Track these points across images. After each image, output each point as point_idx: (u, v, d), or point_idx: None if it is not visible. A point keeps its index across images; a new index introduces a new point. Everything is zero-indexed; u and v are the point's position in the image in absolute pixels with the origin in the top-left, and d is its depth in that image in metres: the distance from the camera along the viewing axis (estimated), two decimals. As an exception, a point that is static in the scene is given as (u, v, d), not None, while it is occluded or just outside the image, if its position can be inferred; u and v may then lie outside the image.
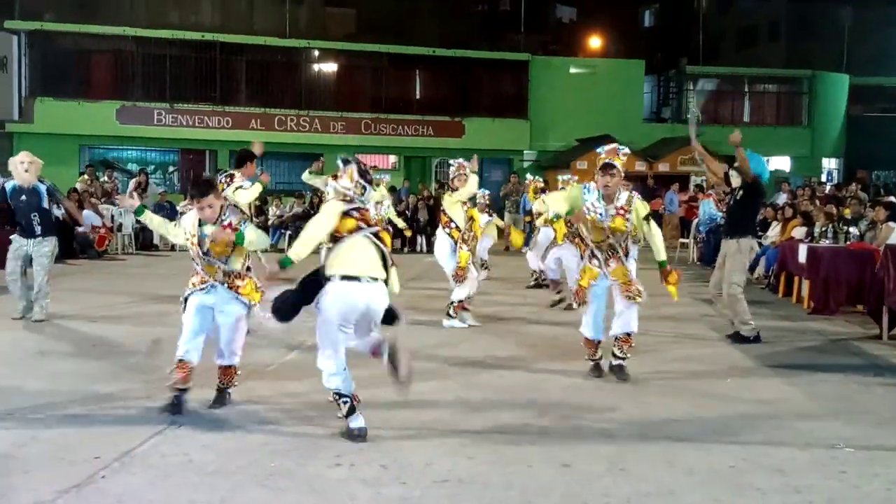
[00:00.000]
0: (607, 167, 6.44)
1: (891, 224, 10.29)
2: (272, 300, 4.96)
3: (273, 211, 20.53)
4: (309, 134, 24.67)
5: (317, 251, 5.23)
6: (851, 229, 11.08)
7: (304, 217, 19.82)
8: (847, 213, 12.63)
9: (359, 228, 4.97)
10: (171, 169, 25.77)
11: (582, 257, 6.76)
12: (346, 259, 4.91)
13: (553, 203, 7.05)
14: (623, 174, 6.52)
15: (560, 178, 10.95)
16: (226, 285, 5.52)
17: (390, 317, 5.08)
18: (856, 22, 31.63)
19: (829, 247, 10.57)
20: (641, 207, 6.52)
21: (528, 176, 12.83)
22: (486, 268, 11.07)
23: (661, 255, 6.63)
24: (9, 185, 8.89)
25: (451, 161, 9.62)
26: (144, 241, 18.51)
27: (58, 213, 9.31)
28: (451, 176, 9.24)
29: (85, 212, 16.33)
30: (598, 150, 6.79)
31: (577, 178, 11.16)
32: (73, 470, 4.40)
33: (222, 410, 5.56)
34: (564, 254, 10.28)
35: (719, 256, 8.73)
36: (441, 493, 4.21)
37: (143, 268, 14.95)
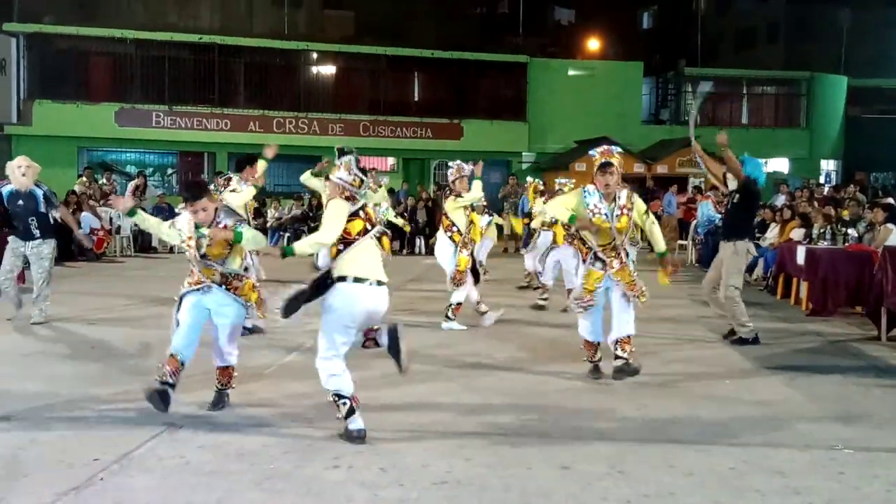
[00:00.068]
0: (606, 166, 6.45)
1: (889, 226, 10.29)
2: (285, 297, 4.99)
3: (272, 213, 20.54)
4: (307, 136, 24.69)
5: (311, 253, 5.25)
6: (850, 231, 11.09)
7: (303, 219, 19.87)
8: (845, 214, 12.65)
9: (366, 231, 5.01)
10: (169, 171, 25.76)
11: (584, 260, 6.72)
12: (358, 261, 4.97)
13: (554, 210, 7.03)
14: (621, 172, 6.55)
15: (557, 181, 10.94)
16: (223, 287, 5.52)
17: (395, 343, 5.13)
18: (854, 24, 31.70)
19: (827, 248, 10.57)
20: (640, 202, 6.62)
21: (529, 178, 12.83)
22: (484, 272, 11.06)
23: (662, 246, 6.75)
24: (6, 190, 8.88)
25: (450, 163, 9.62)
26: (143, 243, 18.50)
27: (56, 214, 9.28)
28: (450, 178, 9.23)
29: (83, 214, 16.39)
30: (591, 152, 6.82)
31: (574, 181, 11.15)
32: (72, 472, 4.40)
33: (220, 412, 5.56)
34: (563, 256, 10.30)
35: (716, 258, 8.74)
36: (439, 494, 4.20)
37: (141, 270, 14.94)
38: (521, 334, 8.79)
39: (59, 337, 8.32)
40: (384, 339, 5.14)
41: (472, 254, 9.10)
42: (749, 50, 36.00)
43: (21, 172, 8.77)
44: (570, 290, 10.27)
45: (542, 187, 12.17)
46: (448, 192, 9.11)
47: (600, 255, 6.55)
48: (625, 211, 6.47)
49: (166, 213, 15.13)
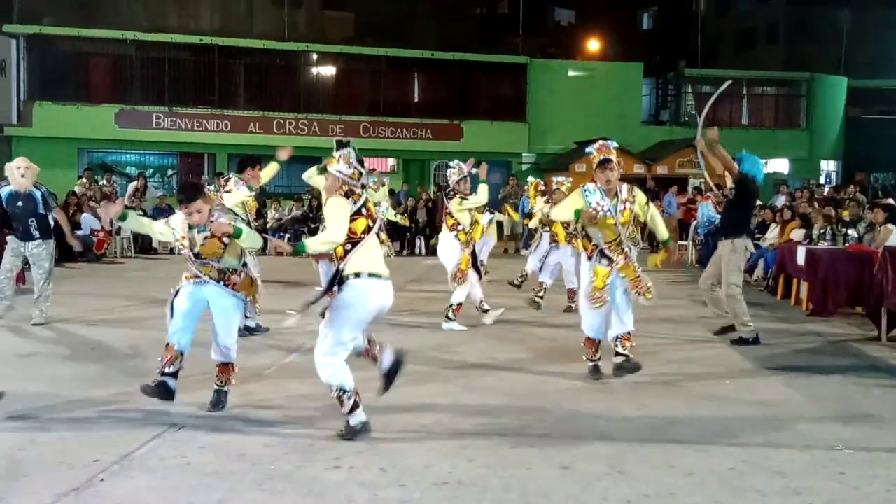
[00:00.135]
0: (605, 163, 6.47)
1: (889, 226, 10.29)
2: (309, 301, 5.15)
3: (272, 214, 20.54)
4: (307, 137, 24.63)
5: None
6: (850, 231, 11.08)
7: (303, 220, 19.87)
8: (845, 214, 12.64)
9: (369, 228, 5.03)
10: (169, 172, 25.75)
11: (589, 258, 6.71)
12: (369, 258, 5.02)
13: (560, 215, 7.00)
14: (621, 167, 6.57)
15: (554, 179, 10.95)
16: (221, 283, 5.51)
17: (394, 371, 5.26)
18: (854, 25, 31.71)
19: (827, 249, 10.57)
20: (641, 194, 6.66)
21: (530, 178, 12.84)
22: (486, 272, 11.07)
23: (665, 233, 6.82)
24: (5, 191, 8.87)
25: (449, 164, 9.62)
26: (143, 244, 18.50)
27: (53, 216, 9.26)
28: (453, 178, 9.21)
29: (84, 215, 16.41)
30: (587, 150, 6.82)
31: (571, 179, 11.17)
32: (73, 473, 4.39)
33: (221, 413, 5.55)
34: (563, 255, 10.31)
35: (714, 255, 8.75)
36: (440, 495, 4.20)
37: (141, 271, 14.94)
38: (521, 334, 8.79)
39: (60, 338, 8.32)
40: (386, 363, 5.23)
41: (472, 252, 9.14)
42: (749, 51, 36.02)
43: (20, 173, 8.77)
44: (570, 290, 10.30)
45: (543, 187, 12.18)
46: (453, 193, 9.10)
47: (606, 251, 6.56)
48: (627, 205, 6.50)
49: (167, 214, 15.11)
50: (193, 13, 27.50)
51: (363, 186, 5.18)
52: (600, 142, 6.69)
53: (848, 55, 30.98)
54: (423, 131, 26.05)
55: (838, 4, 31.94)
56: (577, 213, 6.51)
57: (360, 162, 5.11)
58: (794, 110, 30.26)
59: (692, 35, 31.37)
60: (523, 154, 27.28)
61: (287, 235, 19.08)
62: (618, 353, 6.64)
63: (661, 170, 25.41)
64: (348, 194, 5.03)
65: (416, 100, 27.23)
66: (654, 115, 30.88)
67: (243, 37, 25.67)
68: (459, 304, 8.98)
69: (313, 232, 16.56)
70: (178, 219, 5.52)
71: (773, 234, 13.76)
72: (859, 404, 6.13)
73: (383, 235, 5.32)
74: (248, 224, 7.92)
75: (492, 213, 11.23)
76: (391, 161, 26.70)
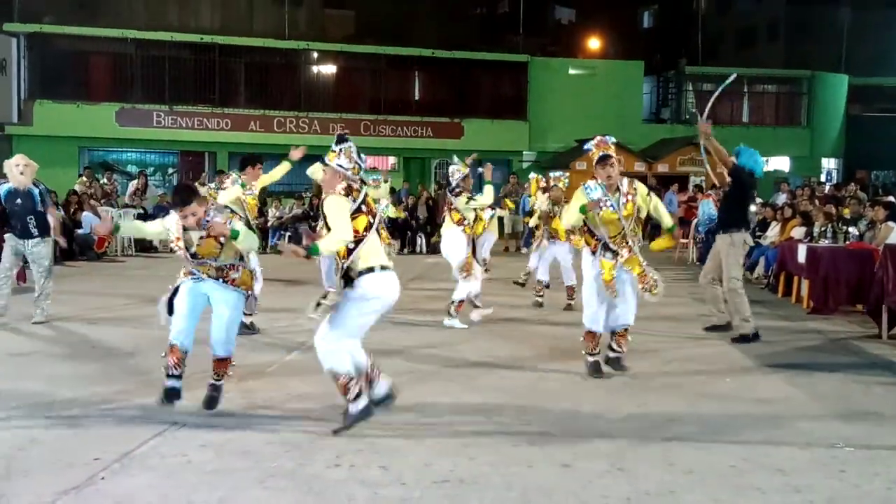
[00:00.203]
0: (605, 159, 6.50)
1: (890, 224, 10.28)
2: (328, 305, 5.16)
3: (273, 213, 20.53)
4: (308, 135, 24.58)
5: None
6: (851, 229, 11.08)
7: (304, 218, 19.83)
8: (846, 212, 12.63)
9: (370, 225, 5.04)
10: (170, 171, 25.77)
11: (594, 253, 6.70)
12: (376, 252, 5.05)
13: (568, 221, 6.96)
14: (621, 163, 6.59)
15: (552, 174, 10.94)
16: (220, 280, 5.51)
17: (383, 402, 5.31)
18: (854, 23, 31.67)
19: (828, 247, 10.56)
20: (642, 186, 6.69)
21: (532, 174, 12.85)
22: (486, 269, 11.07)
23: (668, 221, 6.91)
24: (4, 189, 8.87)
25: (451, 164, 9.61)
26: (143, 242, 18.47)
27: (56, 212, 9.27)
28: (456, 177, 9.21)
29: (84, 213, 16.40)
30: (586, 147, 6.82)
31: (568, 174, 11.18)
32: (73, 472, 4.39)
33: (221, 411, 5.54)
34: (560, 252, 10.32)
35: (713, 249, 8.75)
36: (441, 493, 4.20)
37: (142, 269, 14.93)
38: (521, 332, 8.80)
39: (60, 336, 8.32)
40: (379, 391, 5.25)
41: (473, 247, 9.19)
42: (750, 49, 35.99)
43: (19, 171, 8.76)
44: (569, 288, 10.31)
45: (544, 183, 12.19)
46: (459, 191, 9.13)
47: (611, 245, 6.57)
48: (629, 198, 6.54)
49: (167, 212, 15.09)
50: (194, 11, 27.51)
51: (362, 182, 5.17)
52: (598, 138, 6.70)
53: (849, 53, 30.96)
54: (424, 129, 26.06)
55: (838, 2, 31.92)
56: (583, 208, 6.53)
57: (360, 157, 5.11)
58: (794, 108, 30.26)
59: (693, 33, 31.35)
60: (524, 152, 27.30)
61: (288, 234, 19.08)
62: (612, 349, 6.69)
63: (662, 168, 25.38)
64: (348, 191, 5.02)
65: (417, 98, 27.26)
66: (654, 113, 30.89)
67: (244, 35, 25.68)
68: (461, 301, 8.98)
69: (313, 231, 16.50)
70: (173, 219, 5.50)
71: (773, 231, 13.75)
72: (860, 402, 6.13)
73: (384, 232, 5.32)
74: (248, 223, 7.91)
75: (493, 209, 11.24)
76: (392, 159, 26.70)
